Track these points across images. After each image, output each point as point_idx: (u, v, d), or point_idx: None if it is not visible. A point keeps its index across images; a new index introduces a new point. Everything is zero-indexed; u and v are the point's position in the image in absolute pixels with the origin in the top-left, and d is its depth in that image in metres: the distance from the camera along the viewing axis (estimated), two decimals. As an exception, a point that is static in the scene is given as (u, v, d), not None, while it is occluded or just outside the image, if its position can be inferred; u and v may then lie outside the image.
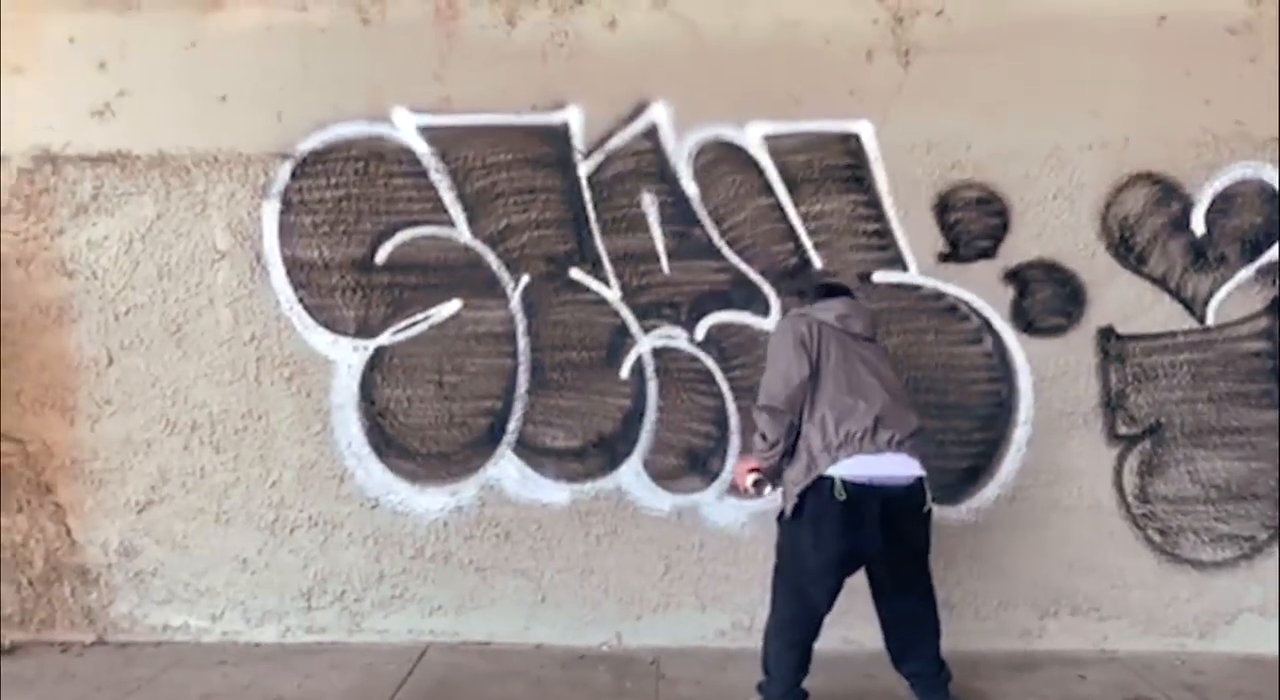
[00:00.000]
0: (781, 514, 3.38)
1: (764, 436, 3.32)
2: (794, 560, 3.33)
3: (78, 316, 4.15)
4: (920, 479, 3.26)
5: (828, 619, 3.39)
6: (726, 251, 4.10)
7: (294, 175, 4.10)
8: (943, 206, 4.06)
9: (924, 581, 3.41)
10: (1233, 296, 4.07)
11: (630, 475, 4.15)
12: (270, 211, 4.11)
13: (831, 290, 3.54)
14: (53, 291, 4.14)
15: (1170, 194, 4.04)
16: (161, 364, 4.15)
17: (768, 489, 3.42)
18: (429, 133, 4.08)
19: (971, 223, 4.06)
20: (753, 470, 3.38)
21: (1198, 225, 4.06)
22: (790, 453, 3.31)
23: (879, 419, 3.20)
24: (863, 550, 3.24)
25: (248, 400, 4.15)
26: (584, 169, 4.08)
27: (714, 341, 4.12)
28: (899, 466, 3.21)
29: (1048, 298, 4.07)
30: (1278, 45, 3.97)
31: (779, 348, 3.36)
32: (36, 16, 4.07)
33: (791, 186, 4.06)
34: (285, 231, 4.11)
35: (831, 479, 3.17)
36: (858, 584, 3.40)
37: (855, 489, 3.17)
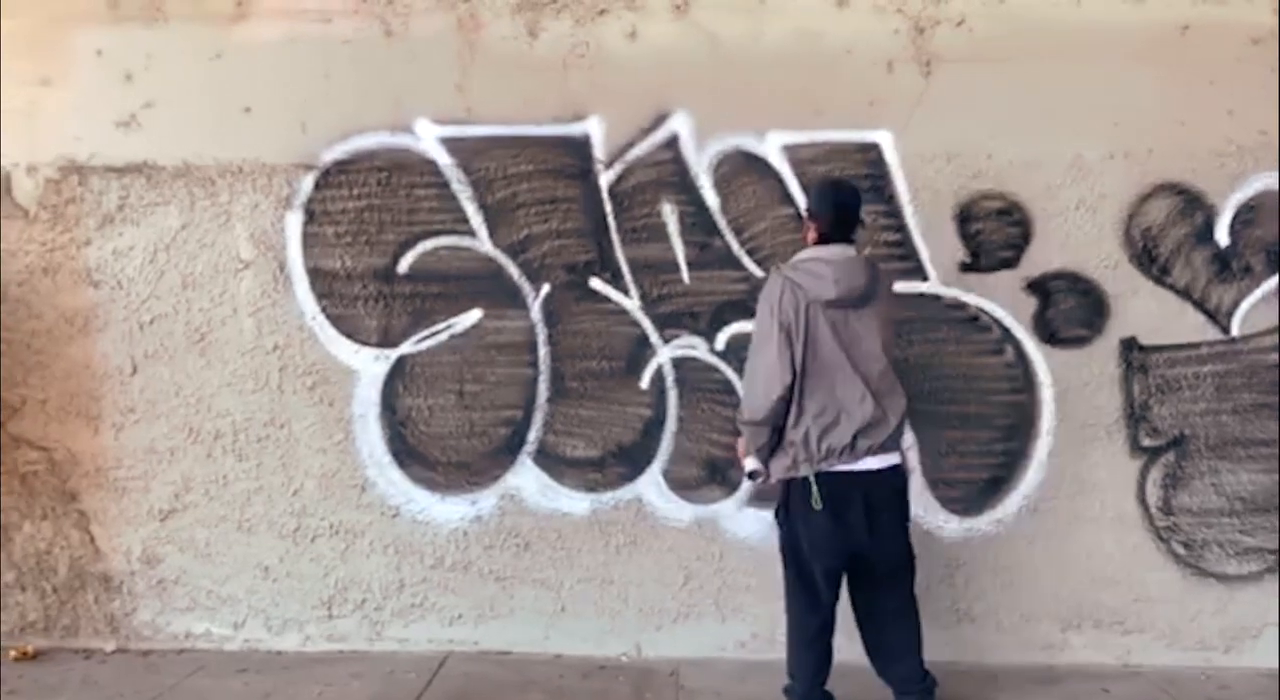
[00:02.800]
0: (778, 510, 3.47)
1: (751, 444, 3.40)
2: (792, 544, 3.42)
3: (103, 326, 4.18)
4: (896, 466, 3.38)
5: (851, 630, 3.38)
6: (746, 261, 4.10)
7: (317, 186, 4.12)
8: (964, 216, 4.04)
9: (906, 579, 3.44)
10: (1257, 307, 4.03)
11: (650, 485, 4.15)
12: (294, 222, 4.14)
13: (838, 228, 3.38)
14: (78, 301, 4.18)
15: (1194, 204, 4.02)
16: (185, 373, 4.19)
17: (760, 479, 3.47)
18: (451, 144, 4.10)
19: (993, 233, 4.05)
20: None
21: (1221, 236, 4.03)
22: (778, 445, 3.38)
23: (859, 433, 3.28)
24: (851, 535, 3.30)
25: (270, 409, 4.18)
26: (604, 179, 4.09)
27: (734, 351, 4.10)
28: (877, 462, 3.33)
29: (1070, 308, 4.05)
30: (1301, 55, 3.96)
31: (763, 337, 3.34)
32: (65, 29, 4.12)
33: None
34: (308, 242, 4.14)
35: (813, 483, 3.28)
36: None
37: (835, 477, 3.28)
